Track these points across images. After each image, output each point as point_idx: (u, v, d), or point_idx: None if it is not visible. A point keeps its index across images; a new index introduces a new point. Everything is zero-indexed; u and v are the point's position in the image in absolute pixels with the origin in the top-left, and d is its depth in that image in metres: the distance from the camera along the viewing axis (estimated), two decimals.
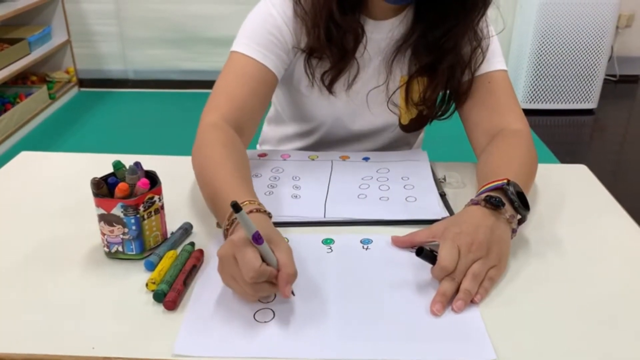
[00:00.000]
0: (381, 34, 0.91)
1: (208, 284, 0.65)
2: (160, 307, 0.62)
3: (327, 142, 1.04)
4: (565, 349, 0.58)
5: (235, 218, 0.64)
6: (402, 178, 0.89)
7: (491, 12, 0.92)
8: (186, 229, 0.75)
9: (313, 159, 0.96)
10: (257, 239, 0.58)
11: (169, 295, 0.62)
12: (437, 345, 0.57)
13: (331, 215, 0.78)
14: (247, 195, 0.68)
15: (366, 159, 0.96)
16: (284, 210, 0.80)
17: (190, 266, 0.67)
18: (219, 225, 0.76)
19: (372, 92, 0.95)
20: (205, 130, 0.81)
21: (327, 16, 0.85)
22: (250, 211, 0.65)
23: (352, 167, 0.93)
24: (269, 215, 0.68)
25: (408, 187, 0.86)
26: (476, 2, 0.84)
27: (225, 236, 0.67)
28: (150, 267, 0.68)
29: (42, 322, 0.60)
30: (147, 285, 0.64)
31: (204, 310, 0.61)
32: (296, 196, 0.84)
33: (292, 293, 0.62)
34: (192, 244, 0.72)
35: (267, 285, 0.59)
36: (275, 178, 0.89)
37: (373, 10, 0.89)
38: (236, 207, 0.56)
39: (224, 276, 0.61)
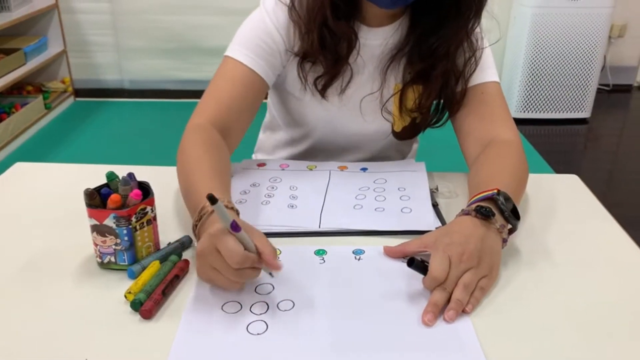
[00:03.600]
0: (376, 40, 0.92)
1: (201, 296, 0.66)
2: (153, 318, 0.62)
3: (319, 150, 1.05)
4: (556, 357, 0.58)
5: (204, 214, 0.67)
6: (398, 189, 0.89)
7: (486, 24, 0.93)
8: (183, 243, 0.75)
9: (311, 169, 0.96)
10: (235, 227, 0.60)
11: (146, 304, 0.63)
12: (429, 355, 0.57)
13: (326, 226, 0.79)
14: (217, 191, 0.70)
15: (364, 169, 0.97)
16: (279, 220, 0.80)
17: (171, 276, 0.67)
18: None
19: (366, 99, 0.96)
20: (189, 131, 0.84)
21: (321, 22, 0.86)
22: None
23: (350, 178, 0.93)
24: (237, 212, 0.70)
25: (404, 198, 0.86)
26: (469, 8, 0.85)
27: (194, 232, 0.69)
28: (132, 276, 0.68)
29: (36, 333, 0.60)
30: (125, 296, 0.65)
31: (197, 322, 0.62)
32: (293, 206, 0.84)
33: (271, 274, 0.66)
34: (180, 254, 0.72)
35: (250, 270, 0.62)
36: (273, 187, 0.89)
37: (367, 17, 0.90)
38: (212, 200, 0.59)
39: (205, 270, 0.63)
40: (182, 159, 0.81)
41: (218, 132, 0.85)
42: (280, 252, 0.74)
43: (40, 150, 2.72)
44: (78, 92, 3.31)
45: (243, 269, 0.61)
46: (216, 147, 0.82)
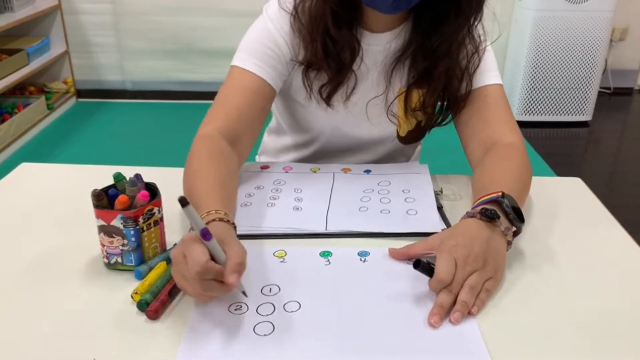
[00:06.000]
0: (378, 46, 0.92)
1: None
2: (159, 319, 0.63)
3: (325, 154, 1.05)
4: (561, 359, 0.58)
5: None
6: (402, 191, 0.89)
7: (486, 25, 0.93)
8: None
9: (315, 172, 0.97)
10: (204, 234, 0.58)
11: (152, 304, 0.63)
12: (435, 356, 0.58)
13: (332, 228, 0.79)
14: (215, 205, 0.69)
15: (367, 171, 0.97)
16: (286, 222, 0.81)
17: None
18: None
19: (371, 103, 0.96)
20: (197, 141, 0.84)
21: (323, 31, 0.86)
22: (213, 220, 0.66)
23: (354, 180, 0.94)
24: (234, 226, 0.69)
25: (409, 200, 0.87)
26: (469, 5, 0.85)
27: None
28: (139, 276, 0.68)
29: (42, 333, 0.61)
30: (132, 296, 0.65)
31: (205, 323, 0.62)
32: (298, 208, 0.84)
33: (244, 293, 0.63)
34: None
35: (216, 284, 0.59)
36: (277, 190, 0.90)
37: (370, 23, 0.90)
38: (182, 202, 0.57)
39: (176, 276, 0.61)
40: (187, 169, 0.80)
41: (227, 142, 0.84)
42: (286, 253, 0.74)
43: (43, 150, 2.73)
44: (80, 93, 3.32)
45: (208, 280, 0.58)
46: (223, 158, 0.82)
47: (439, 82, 0.91)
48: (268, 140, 1.16)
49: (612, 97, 3.50)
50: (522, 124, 3.04)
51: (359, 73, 0.93)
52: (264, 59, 0.89)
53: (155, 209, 0.70)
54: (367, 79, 0.94)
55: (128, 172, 0.72)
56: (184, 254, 0.59)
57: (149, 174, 0.76)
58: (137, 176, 0.71)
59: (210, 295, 0.61)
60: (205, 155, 0.81)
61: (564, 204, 0.89)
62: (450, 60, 0.89)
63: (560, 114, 3.07)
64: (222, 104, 0.88)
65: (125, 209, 0.68)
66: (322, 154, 1.06)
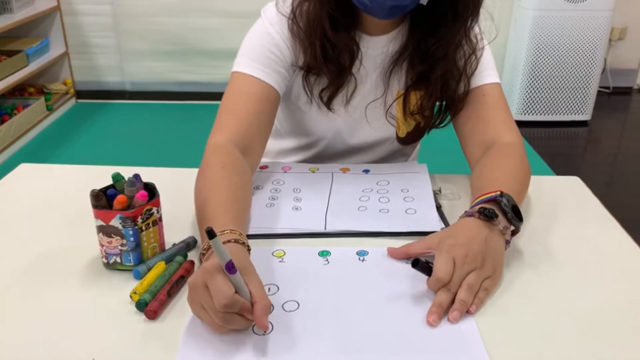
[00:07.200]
0: (377, 49, 0.92)
1: None
2: (158, 318, 0.63)
3: (325, 156, 1.05)
4: (559, 358, 0.58)
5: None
6: (401, 190, 0.89)
7: (484, 25, 0.94)
8: (188, 243, 0.75)
9: (314, 172, 0.97)
10: (229, 267, 0.56)
11: (151, 304, 0.63)
12: (434, 355, 0.58)
13: (332, 228, 0.79)
14: (230, 224, 0.67)
15: (366, 171, 0.97)
16: (285, 222, 0.81)
17: (177, 277, 0.67)
18: None
19: (371, 106, 0.97)
20: (209, 152, 0.81)
21: (321, 35, 0.86)
22: (229, 240, 0.64)
23: (353, 180, 0.94)
24: (248, 248, 0.67)
25: (408, 199, 0.87)
26: (466, 9, 0.85)
27: (201, 260, 0.66)
28: (138, 276, 0.69)
29: (42, 333, 0.61)
30: (130, 296, 0.65)
31: (203, 323, 0.62)
32: (297, 208, 0.84)
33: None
34: (185, 255, 0.73)
35: (238, 317, 0.58)
36: (277, 190, 0.90)
37: (367, 26, 0.90)
38: (210, 234, 0.55)
39: (194, 305, 0.59)
40: (200, 182, 0.77)
41: (240, 151, 0.82)
42: (285, 253, 0.74)
43: (42, 151, 2.73)
44: (80, 94, 3.32)
45: (230, 313, 0.57)
46: (237, 170, 0.79)
47: (436, 84, 0.91)
48: (268, 143, 1.15)
49: (611, 96, 3.50)
50: (521, 124, 3.06)
51: (358, 76, 0.93)
52: (268, 64, 0.88)
53: (154, 209, 0.70)
54: (366, 82, 0.94)
55: (127, 172, 0.73)
56: (206, 284, 0.57)
57: (148, 174, 0.76)
58: (136, 176, 0.71)
59: (231, 327, 0.58)
60: (218, 167, 0.78)
61: (562, 204, 0.89)
62: (447, 63, 0.89)
63: (560, 114, 3.07)
64: (230, 112, 0.86)
65: (124, 209, 0.68)
66: (322, 157, 1.05)
